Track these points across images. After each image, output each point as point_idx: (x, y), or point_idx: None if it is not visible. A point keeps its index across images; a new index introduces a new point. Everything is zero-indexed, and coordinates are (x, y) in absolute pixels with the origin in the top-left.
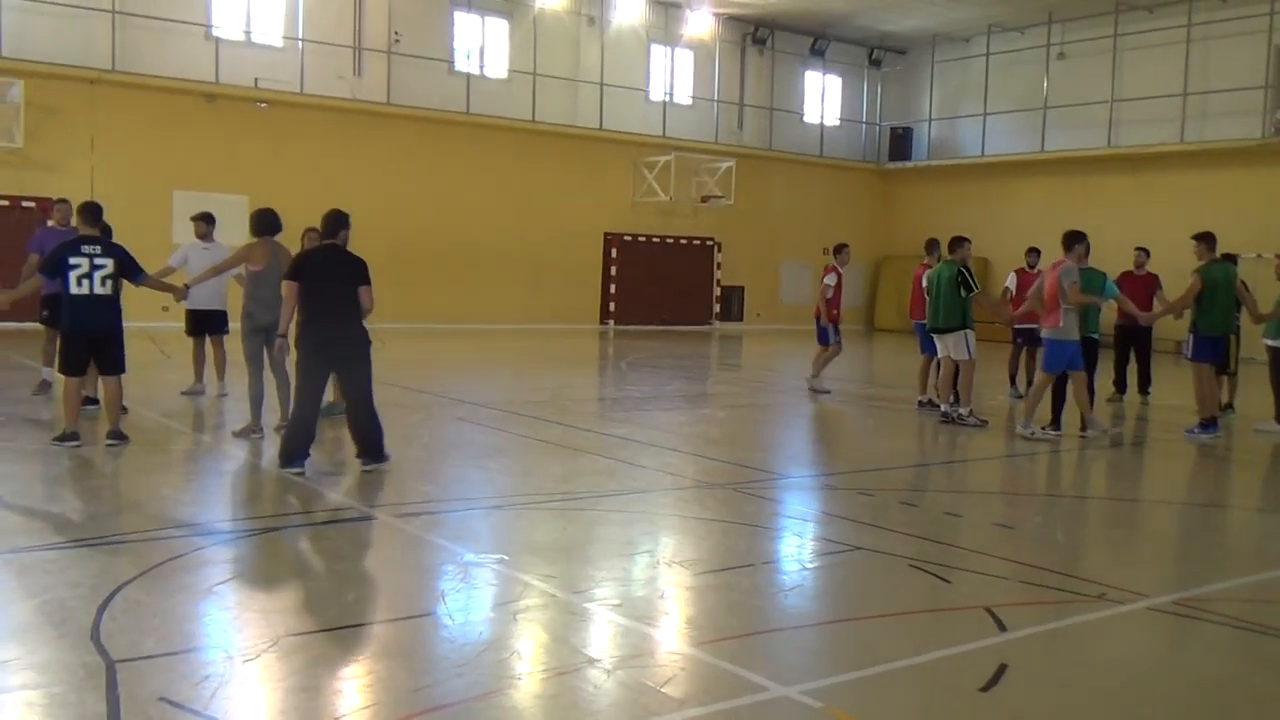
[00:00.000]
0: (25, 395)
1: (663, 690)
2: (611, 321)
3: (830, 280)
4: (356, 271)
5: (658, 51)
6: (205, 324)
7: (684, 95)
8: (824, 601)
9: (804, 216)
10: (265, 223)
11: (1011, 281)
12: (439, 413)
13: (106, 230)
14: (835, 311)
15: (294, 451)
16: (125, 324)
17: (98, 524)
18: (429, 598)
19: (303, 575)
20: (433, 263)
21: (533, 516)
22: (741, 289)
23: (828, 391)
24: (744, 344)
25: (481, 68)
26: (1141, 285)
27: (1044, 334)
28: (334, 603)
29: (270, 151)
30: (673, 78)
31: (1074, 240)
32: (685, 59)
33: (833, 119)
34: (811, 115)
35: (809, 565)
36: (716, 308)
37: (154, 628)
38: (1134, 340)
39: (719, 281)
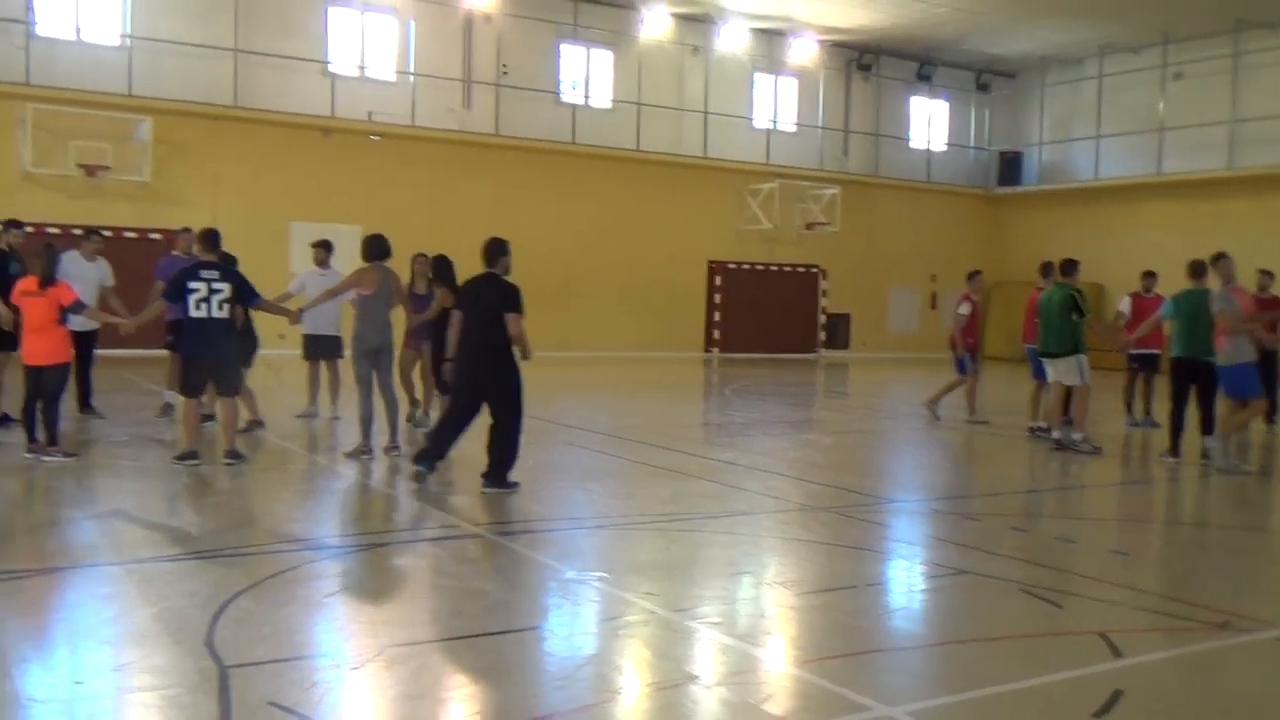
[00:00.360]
0: (149, 418)
1: (762, 707)
2: (715, 350)
3: (964, 310)
4: (507, 298)
5: (762, 79)
6: (320, 348)
7: (788, 122)
8: (930, 624)
9: (911, 243)
10: (376, 248)
11: (1126, 306)
12: (545, 437)
13: (230, 260)
14: (971, 340)
15: (428, 453)
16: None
17: (214, 538)
18: (532, 613)
19: (409, 589)
20: (537, 292)
21: (636, 537)
22: (847, 316)
23: (985, 422)
24: (850, 372)
25: (587, 98)
26: (1265, 308)
27: (1219, 362)
28: (439, 616)
29: (382, 182)
30: (777, 105)
31: (1215, 261)
32: (789, 86)
33: (940, 144)
34: (918, 141)
35: (915, 588)
36: (822, 336)
37: (264, 636)
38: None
39: (824, 309)
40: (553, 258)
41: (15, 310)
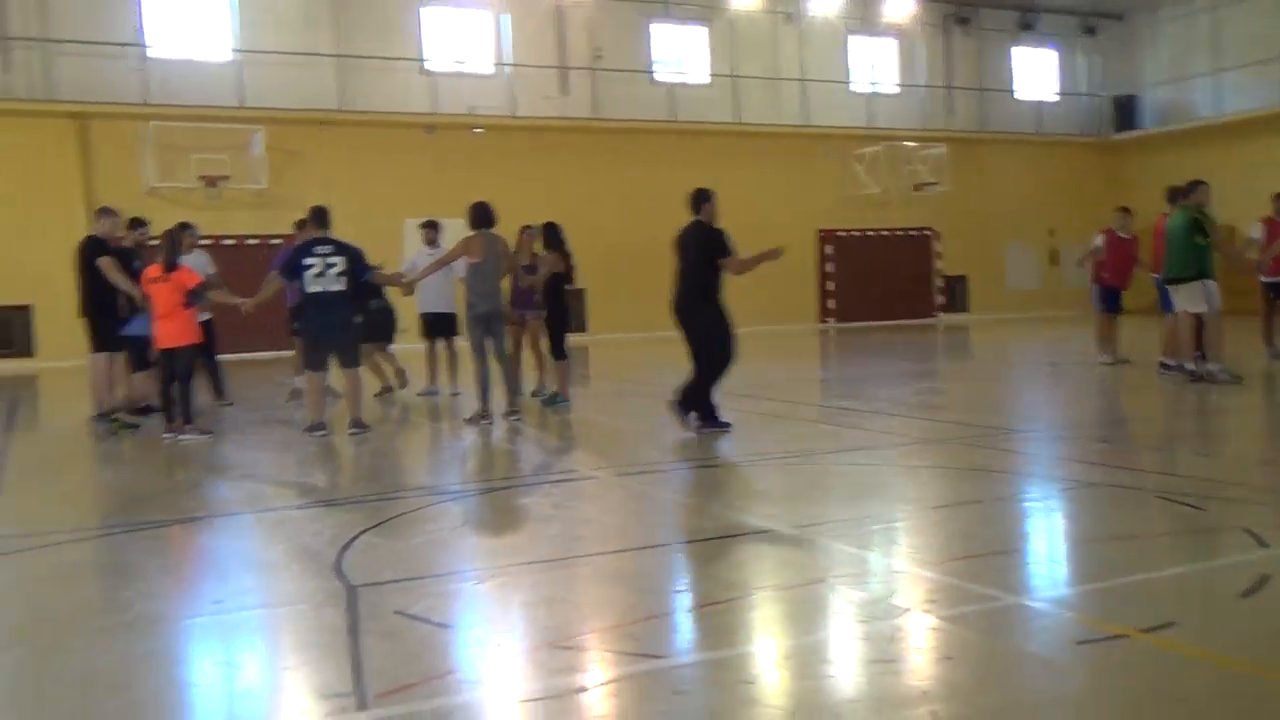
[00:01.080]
0: (279, 403)
1: (889, 601)
2: (831, 320)
3: (1098, 241)
4: (713, 244)
5: (857, 42)
6: (438, 327)
7: (889, 84)
8: (1064, 528)
9: (1026, 197)
10: (481, 215)
11: (1258, 231)
12: (662, 397)
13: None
14: (1105, 275)
15: (683, 403)
16: None
17: (340, 490)
18: (650, 536)
19: (530, 521)
20: (644, 271)
21: (754, 471)
22: (964, 278)
23: (1126, 361)
24: (971, 333)
25: (682, 75)
26: None
27: None
28: (559, 541)
29: (487, 173)
30: (876, 67)
31: None
32: (887, 47)
33: (1049, 94)
34: (1025, 92)
35: (1045, 500)
36: (939, 299)
37: (389, 562)
38: None
39: (940, 272)
40: (657, 237)
41: (146, 297)
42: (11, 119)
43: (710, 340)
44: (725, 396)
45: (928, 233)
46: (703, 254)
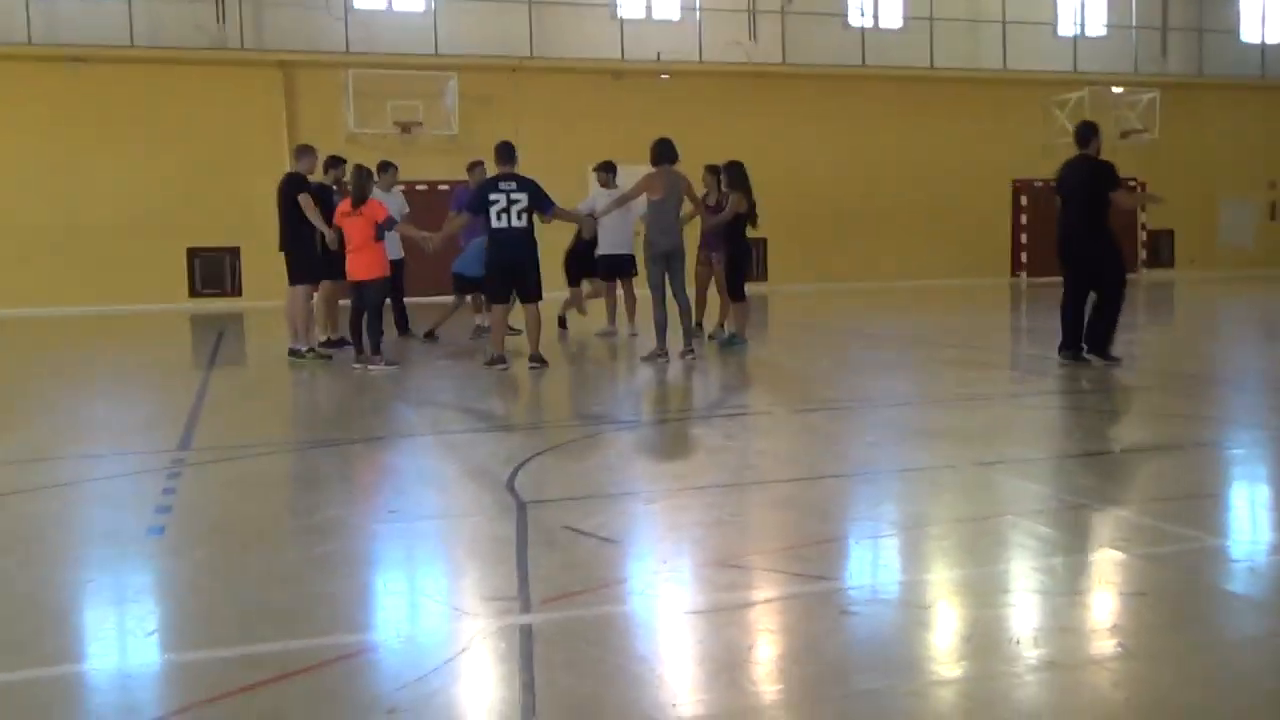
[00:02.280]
0: (463, 340)
1: (1076, 536)
2: (1023, 273)
3: None
4: (1101, 177)
5: None
6: (616, 267)
7: (1097, 25)
8: (1267, 474)
9: (1244, 148)
10: (663, 152)
11: None
12: (843, 342)
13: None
14: None
15: (1067, 343)
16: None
17: (516, 417)
18: (826, 466)
19: (701, 449)
20: (832, 221)
21: (933, 411)
22: (1170, 233)
23: None
24: (1176, 290)
25: (876, 19)
26: None
27: None
28: (727, 469)
29: (674, 120)
30: (1083, 7)
31: None
32: None
33: (1276, 36)
34: (1250, 34)
35: (1248, 447)
36: (1142, 254)
37: (562, 482)
38: None
39: (1144, 225)
40: (845, 186)
41: (339, 232)
42: (224, 68)
43: (1103, 274)
44: (911, 343)
45: (1132, 183)
46: (1094, 187)
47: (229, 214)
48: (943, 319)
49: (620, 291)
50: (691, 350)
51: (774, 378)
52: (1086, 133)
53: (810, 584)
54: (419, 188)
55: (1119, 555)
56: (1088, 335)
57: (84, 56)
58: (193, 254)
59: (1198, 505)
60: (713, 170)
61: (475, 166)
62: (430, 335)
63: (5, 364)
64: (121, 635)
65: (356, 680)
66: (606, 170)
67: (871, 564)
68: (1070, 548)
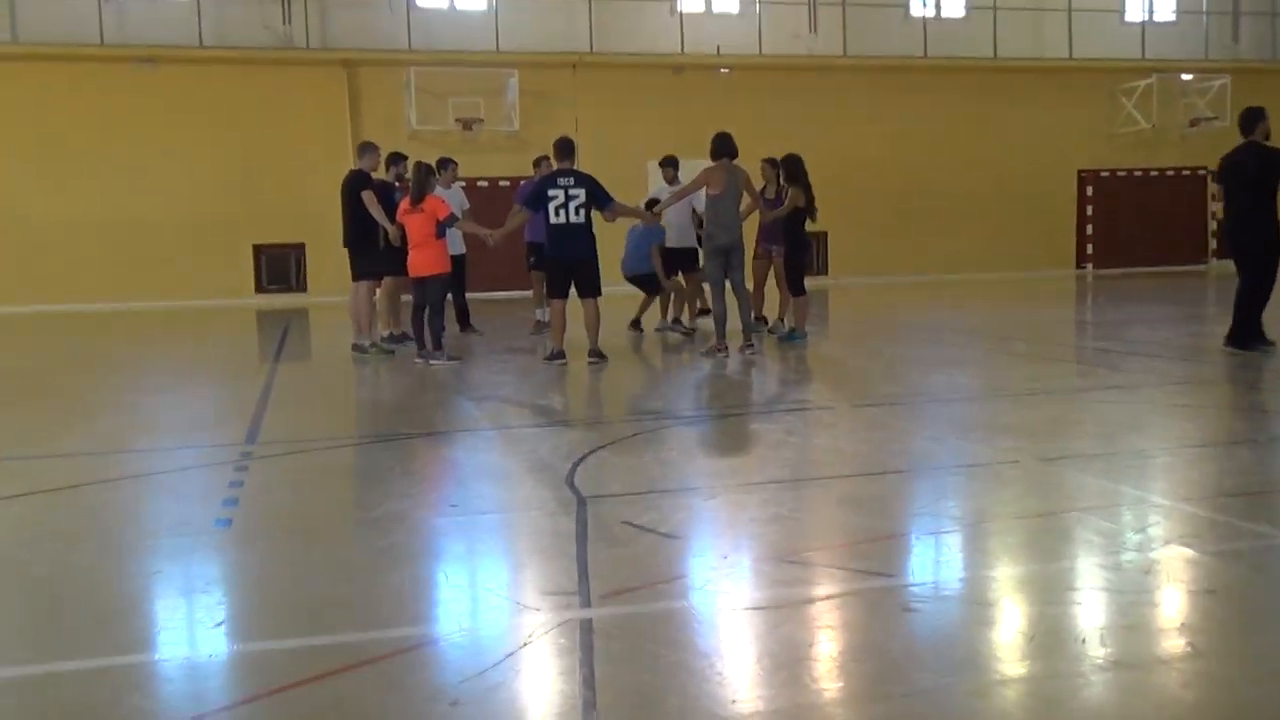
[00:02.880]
0: (524, 334)
1: (1144, 533)
2: (1089, 265)
3: None
4: (1268, 165)
5: None
6: (679, 261)
7: (1166, 10)
8: None
9: None
10: (722, 146)
11: None
12: (905, 336)
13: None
14: None
15: (1235, 335)
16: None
17: (576, 412)
18: (887, 462)
19: (762, 444)
20: (893, 213)
21: (997, 406)
22: None
23: None
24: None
25: (938, 9)
26: None
27: None
28: (795, 465)
29: (734, 115)
30: None
31: None
32: None
33: None
34: None
35: None
36: (1212, 244)
37: (620, 477)
38: None
39: (1214, 215)
40: (908, 177)
41: (401, 229)
42: (290, 68)
43: (1263, 257)
44: (974, 337)
45: (1202, 172)
46: (1263, 173)
47: (294, 211)
48: (1007, 312)
49: (684, 285)
50: (751, 345)
51: (834, 372)
52: (1251, 119)
53: (871, 580)
54: (480, 184)
55: (1188, 552)
56: (1245, 328)
57: (154, 57)
58: (259, 250)
59: (1272, 501)
60: (771, 163)
61: (542, 161)
62: (635, 324)
63: (78, 358)
64: (190, 625)
65: (419, 672)
66: (670, 165)
67: (933, 560)
68: (1137, 544)
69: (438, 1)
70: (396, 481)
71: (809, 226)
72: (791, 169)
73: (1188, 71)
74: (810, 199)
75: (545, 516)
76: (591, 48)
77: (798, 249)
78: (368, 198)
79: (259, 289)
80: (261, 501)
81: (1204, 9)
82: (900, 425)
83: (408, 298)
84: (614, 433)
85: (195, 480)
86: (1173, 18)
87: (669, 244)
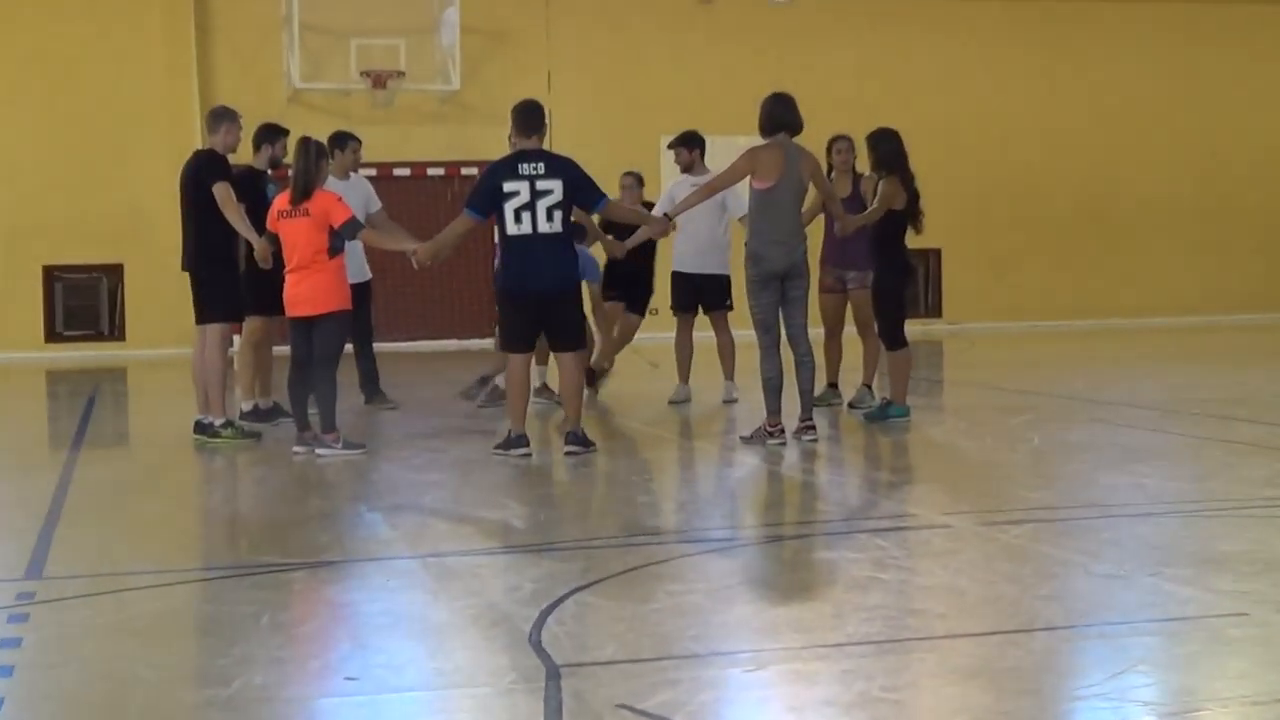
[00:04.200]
0: (468, 408)
1: None
2: None
3: None
4: None
5: None
6: (698, 294)
7: None
8: None
9: None
10: (779, 114)
11: None
12: (1059, 413)
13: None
14: None
15: None
16: None
17: (544, 531)
18: (1034, 611)
19: (838, 583)
20: (1042, 222)
21: (1211, 526)
22: None
23: None
24: None
25: None
26: None
27: None
28: (885, 613)
29: (797, 66)
30: None
31: None
32: None
33: None
34: None
35: None
36: None
37: (615, 635)
38: None
39: None
40: (1064, 167)
41: (274, 240)
42: None
43: None
44: (1171, 416)
45: None
46: None
47: (107, 215)
48: (1221, 377)
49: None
50: (811, 424)
51: (950, 469)
52: None
53: None
54: (398, 172)
55: None
56: None
57: None
58: (52, 276)
59: None
60: (842, 143)
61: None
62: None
63: None
64: None
65: None
66: (688, 145)
67: None
68: None
69: None
70: (262, 639)
71: (910, 241)
72: (885, 152)
73: None
74: (914, 197)
75: (497, 696)
76: None
77: (894, 277)
78: (222, 193)
79: (51, 336)
80: (49, 671)
81: None
82: (1058, 554)
83: (282, 350)
84: (605, 564)
85: None
86: None
87: (683, 269)
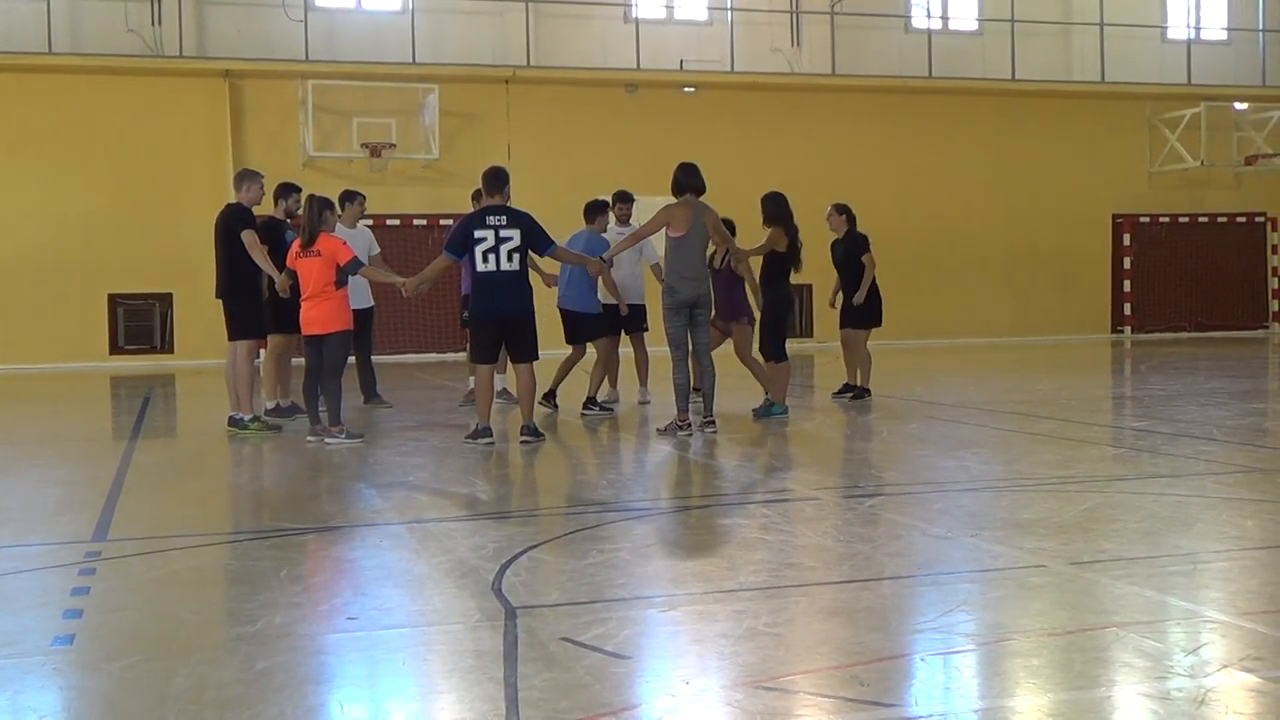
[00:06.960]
0: (446, 407)
1: (1196, 654)
2: (1127, 329)
3: None
4: None
5: None
6: (624, 319)
7: (1215, 29)
8: None
9: None
10: (687, 180)
11: None
12: (904, 412)
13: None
14: None
15: None
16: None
17: (504, 502)
18: (883, 564)
19: (731, 544)
20: (891, 264)
21: (1019, 497)
22: None
23: None
24: None
25: (945, 20)
26: None
27: None
28: (768, 566)
29: (700, 141)
30: (1198, 8)
31: None
32: None
33: None
34: None
35: None
36: (1275, 305)
37: (559, 584)
38: None
39: (1275, 270)
40: (909, 222)
41: (293, 274)
42: (158, 79)
43: None
44: (989, 414)
45: (1261, 219)
46: None
47: (160, 255)
48: (1029, 384)
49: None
50: (712, 421)
51: (821, 455)
52: None
53: (866, 711)
54: (390, 222)
55: (1249, 678)
56: None
57: None
58: (116, 302)
59: None
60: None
61: (479, 196)
62: (550, 397)
63: None
64: None
65: None
66: (622, 201)
67: (941, 687)
68: (1188, 668)
69: (341, 1)
70: (281, 588)
71: (792, 278)
72: (771, 208)
73: (1241, 100)
74: (795, 245)
75: (466, 631)
76: (529, 60)
77: (779, 305)
78: (248, 239)
79: (115, 350)
80: (113, 612)
81: (1260, 26)
82: (902, 520)
83: (299, 361)
84: (552, 528)
85: (28, 586)
86: (1223, 36)
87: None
